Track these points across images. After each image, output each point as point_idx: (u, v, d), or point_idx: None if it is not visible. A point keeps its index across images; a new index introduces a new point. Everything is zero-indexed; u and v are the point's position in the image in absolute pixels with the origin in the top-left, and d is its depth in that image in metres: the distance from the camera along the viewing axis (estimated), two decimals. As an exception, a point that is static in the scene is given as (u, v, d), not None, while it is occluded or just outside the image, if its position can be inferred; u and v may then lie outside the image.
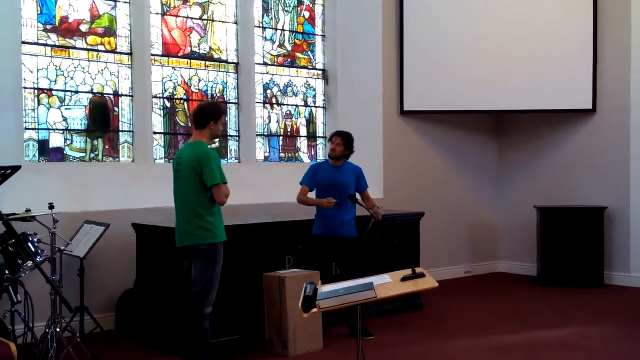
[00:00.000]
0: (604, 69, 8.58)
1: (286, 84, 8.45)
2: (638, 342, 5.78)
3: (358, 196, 5.95)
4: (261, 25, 8.18)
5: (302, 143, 8.63)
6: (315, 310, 3.47)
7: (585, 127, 8.81)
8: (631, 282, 8.32)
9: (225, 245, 4.92)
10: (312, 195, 6.10)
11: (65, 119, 6.72)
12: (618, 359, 5.35)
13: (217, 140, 5.85)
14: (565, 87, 8.68)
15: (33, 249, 4.87)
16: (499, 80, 8.67)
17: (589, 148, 8.78)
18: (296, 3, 8.55)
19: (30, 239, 4.95)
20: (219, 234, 4.85)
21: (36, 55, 6.53)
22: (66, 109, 6.72)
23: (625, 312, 7.03)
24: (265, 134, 8.22)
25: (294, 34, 8.54)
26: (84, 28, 6.84)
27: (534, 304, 7.51)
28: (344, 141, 5.98)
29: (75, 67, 6.76)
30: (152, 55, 7.24)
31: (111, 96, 7.01)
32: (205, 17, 7.72)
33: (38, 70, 6.54)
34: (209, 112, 4.93)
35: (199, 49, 7.68)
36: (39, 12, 6.54)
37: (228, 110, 7.84)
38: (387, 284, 3.75)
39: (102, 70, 6.94)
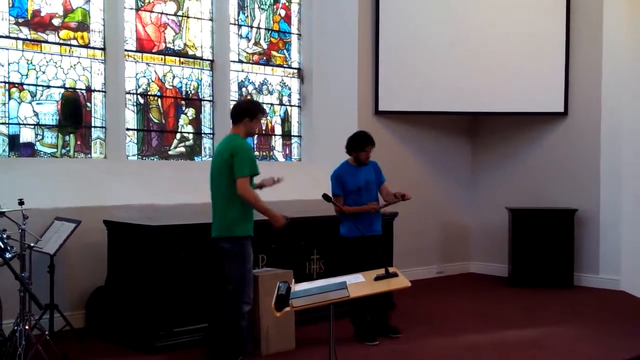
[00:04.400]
0: (576, 73, 8.69)
1: (261, 82, 8.43)
2: (606, 342, 5.86)
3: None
4: (237, 22, 8.15)
5: (277, 141, 8.62)
6: (288, 308, 3.47)
7: (557, 130, 8.91)
8: (600, 284, 8.44)
9: (200, 244, 4.88)
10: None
11: (36, 114, 6.62)
12: (586, 359, 5.42)
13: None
14: (537, 90, 8.78)
15: (2, 245, 4.79)
16: (473, 83, 8.73)
17: (560, 151, 8.88)
18: (272, 1, 8.53)
19: (-1, 235, 4.88)
20: (241, 228, 4.84)
21: (7, 49, 6.42)
22: (37, 103, 6.63)
23: (594, 312, 7.13)
24: (240, 132, 8.18)
25: (270, 32, 8.52)
26: (56, 22, 6.74)
27: (505, 304, 7.58)
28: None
29: (47, 62, 6.67)
30: (126, 50, 7.17)
31: (83, 91, 6.92)
32: (180, 13, 7.66)
33: (9, 64, 6.44)
34: (244, 109, 5.02)
35: (174, 45, 7.62)
36: (10, 5, 6.44)
37: (213, 106, 7.81)
38: (360, 283, 3.76)
39: (75, 64, 6.85)
